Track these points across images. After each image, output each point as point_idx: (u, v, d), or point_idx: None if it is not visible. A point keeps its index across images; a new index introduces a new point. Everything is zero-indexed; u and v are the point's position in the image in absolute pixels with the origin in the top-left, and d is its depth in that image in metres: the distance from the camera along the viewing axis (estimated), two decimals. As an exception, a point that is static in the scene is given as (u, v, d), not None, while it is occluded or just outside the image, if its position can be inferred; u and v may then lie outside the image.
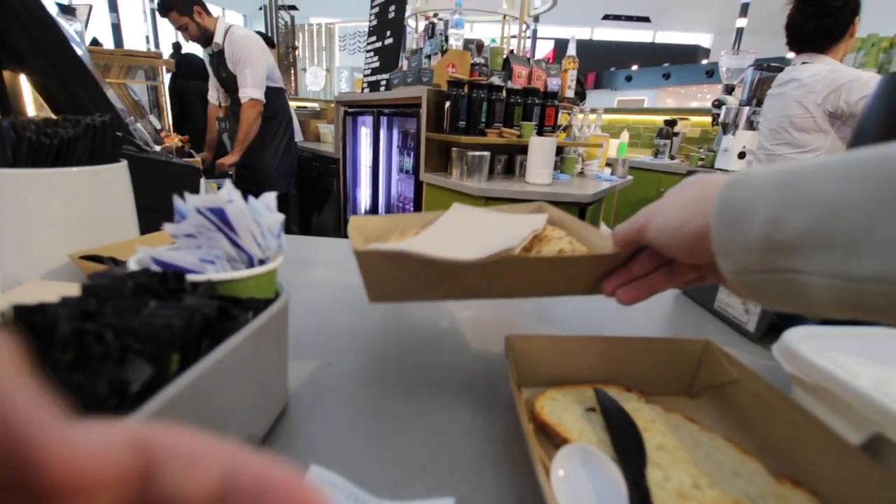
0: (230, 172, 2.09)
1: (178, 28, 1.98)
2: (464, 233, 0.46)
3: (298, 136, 2.47)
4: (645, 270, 0.36)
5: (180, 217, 0.32)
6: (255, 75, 1.99)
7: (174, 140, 1.58)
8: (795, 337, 0.39)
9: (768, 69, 2.55)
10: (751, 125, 2.51)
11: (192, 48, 2.84)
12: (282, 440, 0.35)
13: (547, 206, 0.57)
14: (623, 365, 0.44)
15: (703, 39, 9.58)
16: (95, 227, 0.57)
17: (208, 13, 2.02)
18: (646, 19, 9.51)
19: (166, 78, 1.46)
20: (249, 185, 2.12)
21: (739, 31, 6.43)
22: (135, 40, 5.92)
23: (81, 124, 0.56)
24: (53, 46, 0.78)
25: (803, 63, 1.52)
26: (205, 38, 2.01)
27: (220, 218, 0.32)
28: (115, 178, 0.60)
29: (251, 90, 2.00)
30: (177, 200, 0.32)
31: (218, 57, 2.04)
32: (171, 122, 1.70)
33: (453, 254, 0.32)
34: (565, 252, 0.40)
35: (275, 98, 2.10)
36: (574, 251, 0.41)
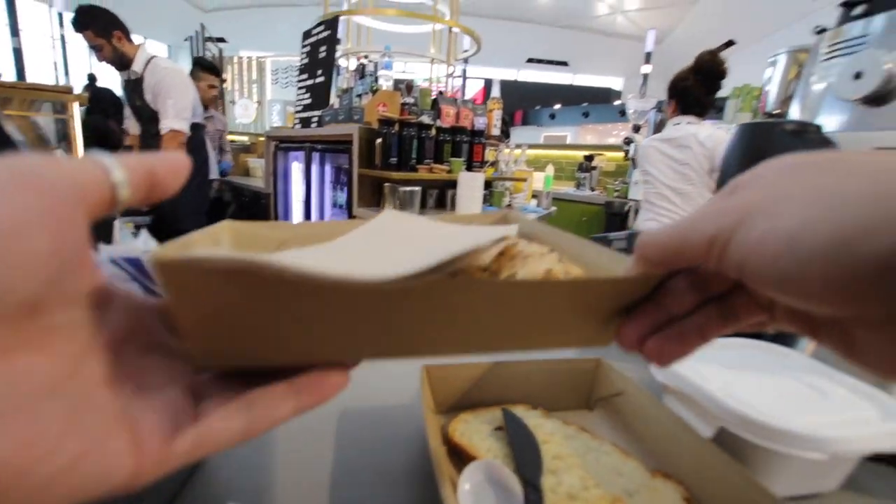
0: (144, 209, 1.99)
1: (92, 47, 1.90)
2: (390, 243, 0.28)
3: (214, 174, 2.43)
4: (687, 307, 0.22)
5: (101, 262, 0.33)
6: (177, 107, 1.94)
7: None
8: (665, 351, 0.46)
9: (667, 112, 2.88)
10: (656, 161, 2.81)
11: (109, 80, 2.72)
12: (199, 485, 0.35)
13: (515, 213, 0.40)
14: (528, 385, 0.48)
15: (615, 83, 10.59)
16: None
17: (129, 40, 1.95)
18: (564, 63, 10.39)
19: (77, 111, 1.38)
20: (158, 223, 2.03)
21: (645, 77, 7.20)
22: (41, 67, 5.49)
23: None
24: None
25: (689, 123, 1.72)
26: (121, 62, 1.94)
27: (137, 268, 0.33)
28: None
29: (172, 121, 1.93)
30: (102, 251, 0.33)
31: (134, 84, 1.97)
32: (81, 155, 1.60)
33: (358, 269, 0.16)
34: (556, 274, 0.24)
35: (192, 134, 2.06)
36: (569, 273, 0.25)
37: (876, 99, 0.72)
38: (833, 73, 0.77)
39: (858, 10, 0.77)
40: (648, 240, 0.20)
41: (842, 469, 0.39)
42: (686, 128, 1.70)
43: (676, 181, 1.74)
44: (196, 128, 2.07)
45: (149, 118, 1.98)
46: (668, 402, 0.45)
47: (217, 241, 0.28)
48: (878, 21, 0.76)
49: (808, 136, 0.74)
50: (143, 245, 0.33)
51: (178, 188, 0.18)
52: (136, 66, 1.93)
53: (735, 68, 1.81)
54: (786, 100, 1.05)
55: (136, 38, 2.02)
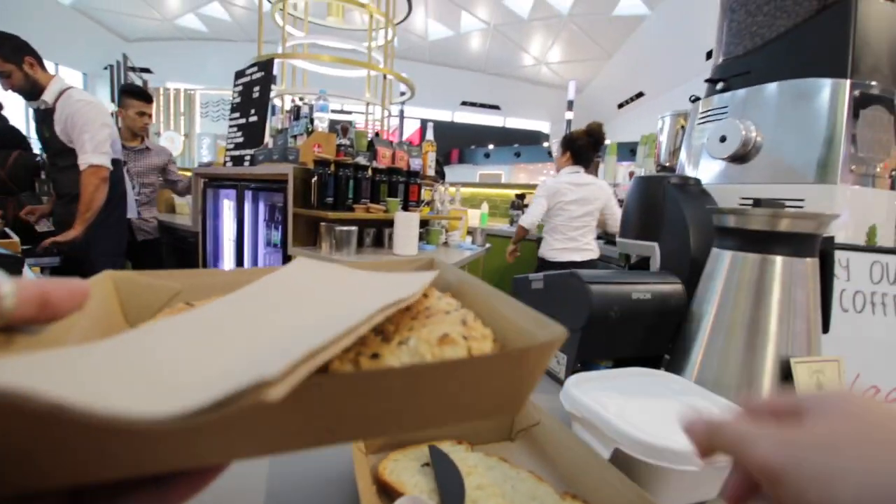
0: (55, 250, 1.83)
1: (0, 74, 1.77)
2: (282, 305, 0.26)
3: (132, 213, 2.28)
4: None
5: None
6: (94, 140, 1.84)
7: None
8: (571, 382, 0.52)
9: (587, 156, 3.16)
10: (579, 200, 3.06)
11: (11, 115, 2.50)
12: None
13: (441, 262, 0.40)
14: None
15: (543, 126, 11.38)
16: None
17: (43, 68, 1.85)
18: (496, 107, 11.03)
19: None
20: (68, 265, 1.88)
21: (568, 122, 7.82)
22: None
23: None
24: None
25: (585, 173, 2.38)
26: (31, 91, 1.83)
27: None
28: None
29: (91, 156, 1.83)
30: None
31: (44, 115, 1.86)
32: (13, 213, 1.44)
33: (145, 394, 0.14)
34: (452, 340, 0.22)
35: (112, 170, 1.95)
36: (469, 338, 0.22)
37: (738, 158, 0.87)
38: (705, 134, 0.92)
39: (719, 86, 0.93)
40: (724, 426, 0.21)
41: (719, 478, 0.46)
42: (586, 176, 2.36)
43: (583, 216, 2.34)
44: (114, 163, 1.96)
45: (57, 151, 1.87)
46: (576, 428, 0.50)
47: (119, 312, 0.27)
48: (736, 95, 0.92)
49: (689, 188, 0.87)
50: None
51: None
52: (47, 96, 1.83)
53: (644, 116, 2.07)
54: (674, 152, 1.21)
55: (48, 65, 1.92)
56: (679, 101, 1.40)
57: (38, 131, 1.90)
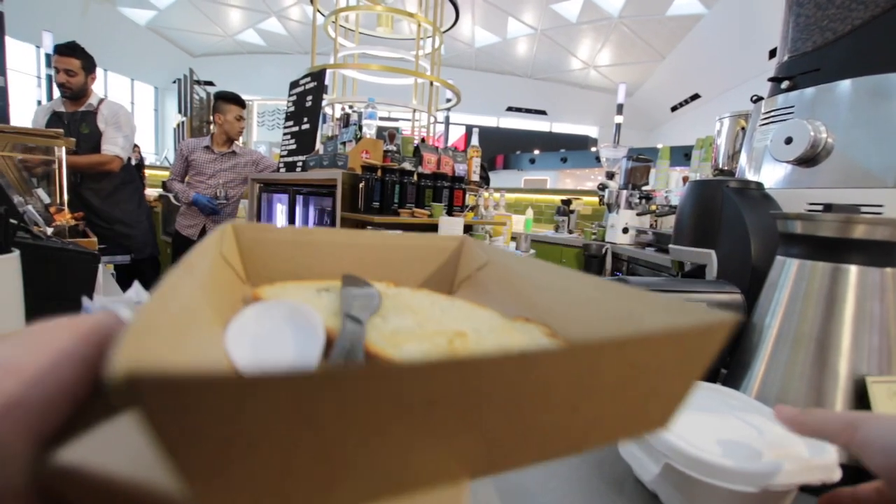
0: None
1: (67, 72, 2.11)
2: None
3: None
4: None
5: (84, 311, 0.36)
6: (127, 141, 2.26)
7: (66, 218, 1.49)
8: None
9: (637, 160, 3.05)
10: (629, 205, 2.95)
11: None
12: None
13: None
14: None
15: (591, 131, 11.13)
16: (-24, 319, 0.55)
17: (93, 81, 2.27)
18: (543, 112, 10.90)
19: (64, 155, 1.43)
20: (116, 248, 2.25)
21: (618, 126, 7.60)
22: (24, 104, 5.53)
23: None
24: None
25: None
26: (79, 95, 2.19)
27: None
28: (4, 269, 0.59)
29: (120, 150, 2.24)
30: (85, 300, 0.36)
31: (85, 115, 2.21)
32: (66, 197, 1.61)
33: None
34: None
35: (134, 166, 2.48)
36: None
37: (806, 161, 0.81)
38: (769, 136, 0.86)
39: (785, 84, 0.87)
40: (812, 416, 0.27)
41: (778, 501, 0.43)
42: None
43: None
44: (129, 163, 2.43)
45: (93, 147, 2.20)
46: (622, 442, 0.48)
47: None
48: (804, 94, 0.86)
49: (750, 193, 0.82)
50: (135, 296, 0.36)
51: None
52: (93, 100, 2.22)
53: (700, 119, 1.97)
54: (733, 155, 1.15)
55: (124, 82, 2.29)
56: (738, 103, 1.33)
57: (76, 130, 2.20)
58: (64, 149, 1.40)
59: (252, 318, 0.25)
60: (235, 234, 0.35)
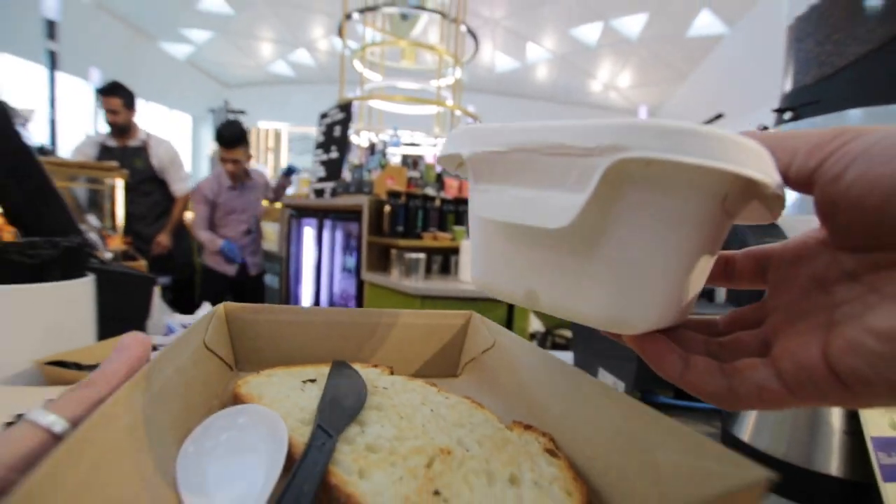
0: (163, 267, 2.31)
1: (112, 111, 2.28)
2: None
3: None
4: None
5: (169, 330, 0.43)
6: (184, 175, 2.44)
7: (118, 243, 1.62)
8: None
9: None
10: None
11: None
12: None
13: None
14: (378, 342, 0.37)
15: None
16: (59, 335, 0.64)
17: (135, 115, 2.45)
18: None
19: (121, 186, 1.56)
20: (160, 270, 2.36)
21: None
22: (75, 135, 5.92)
23: (60, 246, 0.65)
24: (23, 167, 0.88)
25: None
26: (126, 130, 2.34)
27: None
28: (81, 292, 0.68)
29: (182, 185, 2.42)
30: (168, 318, 0.43)
31: (135, 151, 2.36)
32: (121, 223, 1.74)
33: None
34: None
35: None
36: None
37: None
38: (775, 165, 0.90)
39: (787, 115, 0.92)
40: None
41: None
42: None
43: None
44: None
45: (145, 179, 2.35)
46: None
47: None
48: (811, 124, 0.90)
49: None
50: (206, 311, 0.44)
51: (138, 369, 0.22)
52: (142, 136, 2.37)
53: None
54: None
55: (160, 110, 2.45)
56: (765, 121, 1.35)
57: (130, 163, 2.34)
58: (121, 181, 1.53)
59: (212, 430, 0.24)
60: (227, 318, 0.34)
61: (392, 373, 0.34)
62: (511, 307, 1.92)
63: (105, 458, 0.16)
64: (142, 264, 1.60)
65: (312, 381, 0.31)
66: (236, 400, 0.28)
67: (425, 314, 0.39)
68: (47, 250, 0.64)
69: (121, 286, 0.85)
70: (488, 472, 0.23)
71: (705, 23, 6.90)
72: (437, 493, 0.21)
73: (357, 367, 0.33)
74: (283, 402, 0.28)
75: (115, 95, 2.28)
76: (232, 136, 2.23)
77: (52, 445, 0.15)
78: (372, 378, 0.32)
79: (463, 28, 2.50)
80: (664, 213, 0.16)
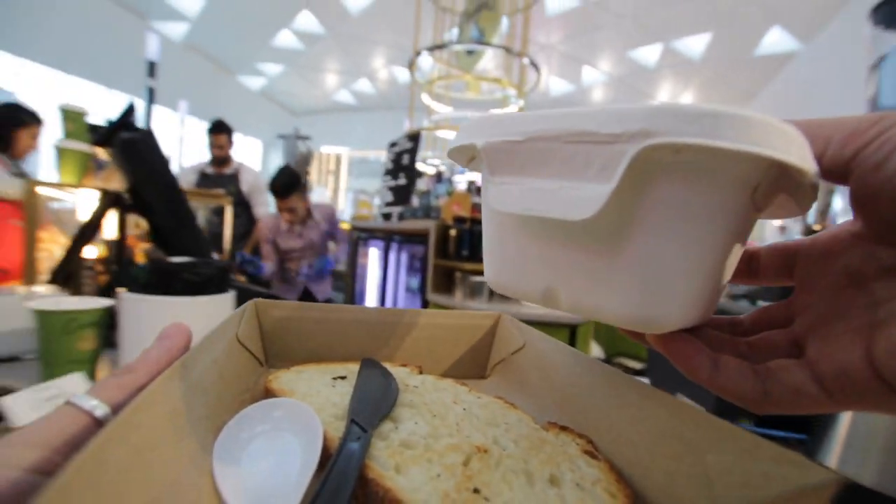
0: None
1: (219, 146, 2.60)
2: None
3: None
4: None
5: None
6: (266, 201, 2.61)
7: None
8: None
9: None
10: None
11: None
12: None
13: (510, 320, 0.39)
14: (407, 342, 0.37)
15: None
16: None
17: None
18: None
19: (229, 209, 1.74)
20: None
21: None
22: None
23: (215, 266, 0.77)
24: (170, 194, 1.04)
25: None
26: (226, 161, 2.64)
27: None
28: (227, 304, 0.80)
29: (265, 210, 2.63)
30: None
31: (230, 178, 2.63)
32: (228, 245, 1.92)
33: None
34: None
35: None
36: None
37: None
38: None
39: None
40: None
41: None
42: None
43: None
44: None
45: (235, 203, 2.55)
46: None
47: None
48: None
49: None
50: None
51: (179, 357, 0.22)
52: (235, 165, 2.65)
53: None
54: (824, 211, 1.15)
55: (237, 135, 2.77)
56: None
57: (228, 189, 2.54)
58: (230, 207, 1.71)
59: (247, 422, 0.24)
60: (258, 314, 0.34)
61: (421, 372, 0.34)
62: (572, 333, 1.92)
63: (147, 442, 0.17)
64: (241, 279, 1.78)
65: (343, 377, 0.31)
66: (268, 394, 0.28)
67: (454, 314, 0.40)
68: (207, 270, 0.76)
69: (244, 299, 0.98)
70: (527, 471, 0.22)
71: (775, 40, 6.61)
72: (476, 490, 0.20)
73: (386, 365, 0.32)
74: (315, 397, 0.28)
75: (223, 133, 2.60)
76: (284, 186, 2.10)
77: (93, 429, 0.16)
78: (402, 377, 0.31)
79: (525, 60, 2.60)
80: (694, 204, 0.15)
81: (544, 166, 0.17)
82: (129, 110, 1.07)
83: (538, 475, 0.22)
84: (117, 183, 1.09)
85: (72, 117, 1.13)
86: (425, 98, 3.10)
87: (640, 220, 0.16)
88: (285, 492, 0.19)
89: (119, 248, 1.09)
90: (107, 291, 0.99)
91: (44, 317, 0.65)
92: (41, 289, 0.97)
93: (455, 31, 2.91)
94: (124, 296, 0.69)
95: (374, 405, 0.26)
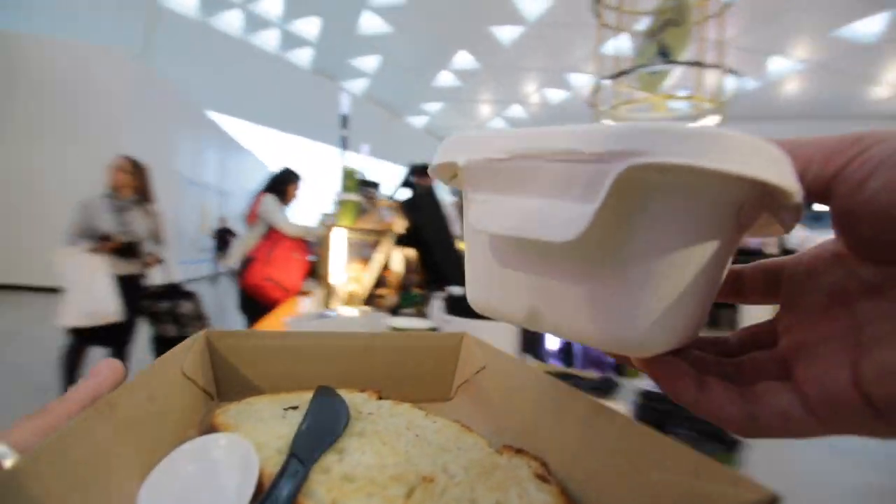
0: None
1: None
2: None
3: None
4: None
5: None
6: None
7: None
8: None
9: None
10: None
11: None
12: None
13: (474, 340, 0.38)
14: (367, 366, 0.36)
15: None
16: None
17: None
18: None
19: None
20: None
21: None
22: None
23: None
24: (444, 235, 1.28)
25: None
26: None
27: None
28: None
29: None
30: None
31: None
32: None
33: None
34: None
35: None
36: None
37: None
38: None
39: None
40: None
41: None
42: None
43: None
44: None
45: None
46: None
47: None
48: None
49: None
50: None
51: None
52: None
53: None
54: None
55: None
56: None
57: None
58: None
59: (181, 459, 0.23)
60: (209, 345, 0.32)
61: (380, 397, 0.33)
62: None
63: (50, 493, 0.15)
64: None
65: (295, 408, 0.30)
66: (213, 429, 0.27)
67: (417, 336, 0.39)
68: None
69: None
70: (472, 500, 0.22)
71: None
72: None
73: (343, 392, 0.31)
74: (262, 430, 0.27)
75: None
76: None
77: None
78: (357, 403, 0.31)
79: (722, 72, 2.37)
80: (680, 225, 0.15)
81: (527, 185, 0.17)
82: (411, 171, 1.49)
83: (484, 503, 0.22)
84: (398, 226, 1.40)
85: (348, 175, 1.52)
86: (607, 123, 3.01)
87: (625, 241, 0.15)
88: None
89: (401, 278, 1.34)
90: (393, 312, 1.22)
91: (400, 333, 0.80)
92: (366, 308, 1.21)
93: (624, 47, 2.82)
94: (444, 317, 0.85)
95: (318, 437, 0.25)
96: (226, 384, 0.33)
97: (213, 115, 8.06)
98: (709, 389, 0.17)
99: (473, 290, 0.22)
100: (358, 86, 8.54)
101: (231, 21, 6.74)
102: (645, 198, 0.15)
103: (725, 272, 0.17)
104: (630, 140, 0.13)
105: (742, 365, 0.18)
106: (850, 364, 0.14)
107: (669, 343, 0.16)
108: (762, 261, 0.19)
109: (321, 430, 0.26)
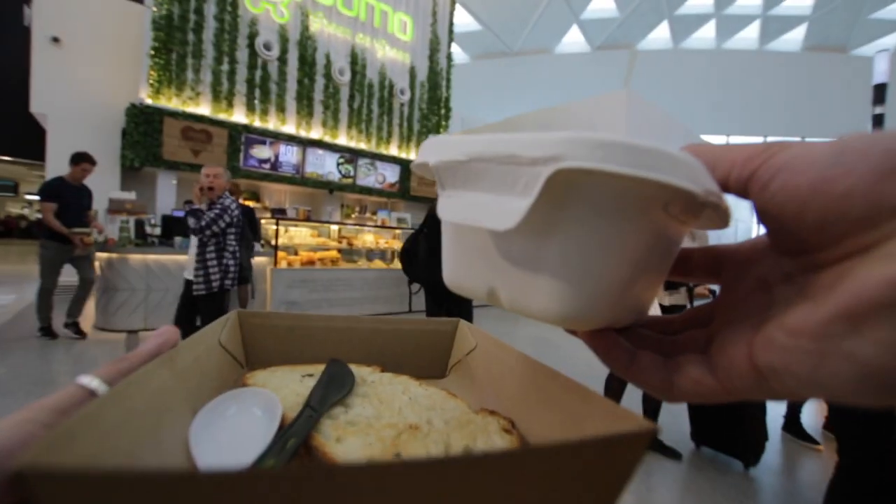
0: None
1: None
2: None
3: None
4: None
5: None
6: None
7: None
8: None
9: None
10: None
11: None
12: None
13: (468, 326, 0.43)
14: (372, 346, 0.41)
15: None
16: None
17: None
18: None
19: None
20: None
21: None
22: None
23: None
24: None
25: None
26: None
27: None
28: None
29: None
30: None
31: None
32: None
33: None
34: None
35: None
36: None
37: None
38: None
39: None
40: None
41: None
42: None
43: None
44: None
45: None
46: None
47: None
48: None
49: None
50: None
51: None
52: None
53: None
54: None
55: None
56: None
57: None
58: None
59: (223, 401, 0.29)
60: (240, 322, 0.38)
61: (383, 371, 0.38)
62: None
63: (134, 409, 0.20)
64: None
65: (311, 375, 0.34)
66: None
67: (417, 321, 0.43)
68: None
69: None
70: (447, 443, 0.26)
71: None
72: (397, 455, 0.25)
73: (351, 366, 0.36)
74: (284, 389, 0.32)
75: None
76: None
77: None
78: (363, 374, 0.35)
79: None
80: (604, 217, 0.17)
81: (481, 183, 0.19)
82: None
83: (455, 446, 0.26)
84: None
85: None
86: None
87: (559, 231, 0.18)
88: (247, 446, 0.25)
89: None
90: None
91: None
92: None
93: None
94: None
95: (328, 394, 0.30)
96: (253, 355, 0.38)
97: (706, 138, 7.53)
98: (638, 360, 0.20)
99: (447, 270, 0.25)
100: (888, 42, 6.14)
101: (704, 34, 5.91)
102: (575, 194, 0.17)
103: (670, 258, 0.20)
104: (558, 147, 0.16)
105: (676, 341, 0.21)
106: (749, 337, 0.16)
107: (605, 320, 0.19)
108: (711, 245, 0.22)
109: (331, 389, 0.31)
